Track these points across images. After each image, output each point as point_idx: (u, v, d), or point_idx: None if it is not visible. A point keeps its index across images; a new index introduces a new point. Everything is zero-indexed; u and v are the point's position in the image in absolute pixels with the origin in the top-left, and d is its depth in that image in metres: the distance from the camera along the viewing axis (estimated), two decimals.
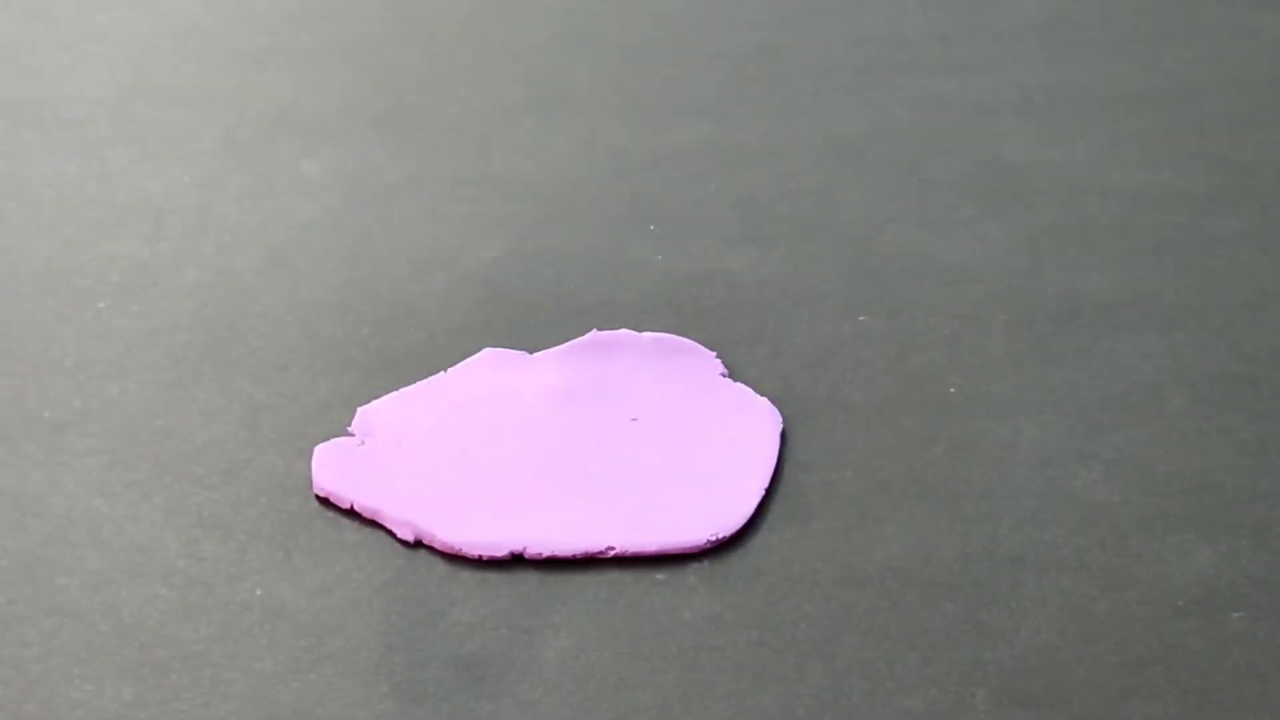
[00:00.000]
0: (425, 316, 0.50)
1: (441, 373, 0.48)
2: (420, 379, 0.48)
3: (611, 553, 0.45)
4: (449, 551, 0.44)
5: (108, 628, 0.43)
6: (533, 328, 0.50)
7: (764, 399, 0.48)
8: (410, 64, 0.59)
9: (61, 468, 0.46)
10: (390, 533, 0.45)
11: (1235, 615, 0.43)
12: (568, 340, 0.50)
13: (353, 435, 0.47)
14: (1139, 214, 0.53)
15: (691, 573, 0.45)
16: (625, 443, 0.47)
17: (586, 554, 0.44)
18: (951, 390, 0.49)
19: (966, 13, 0.59)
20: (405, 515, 0.45)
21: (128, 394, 0.48)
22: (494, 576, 0.44)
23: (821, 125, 0.56)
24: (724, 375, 0.49)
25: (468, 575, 0.44)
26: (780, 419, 0.48)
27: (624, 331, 0.49)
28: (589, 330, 0.50)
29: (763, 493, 0.46)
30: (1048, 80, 0.56)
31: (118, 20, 0.61)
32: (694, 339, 0.50)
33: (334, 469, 0.46)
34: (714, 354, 0.49)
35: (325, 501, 0.46)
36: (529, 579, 0.44)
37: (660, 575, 0.44)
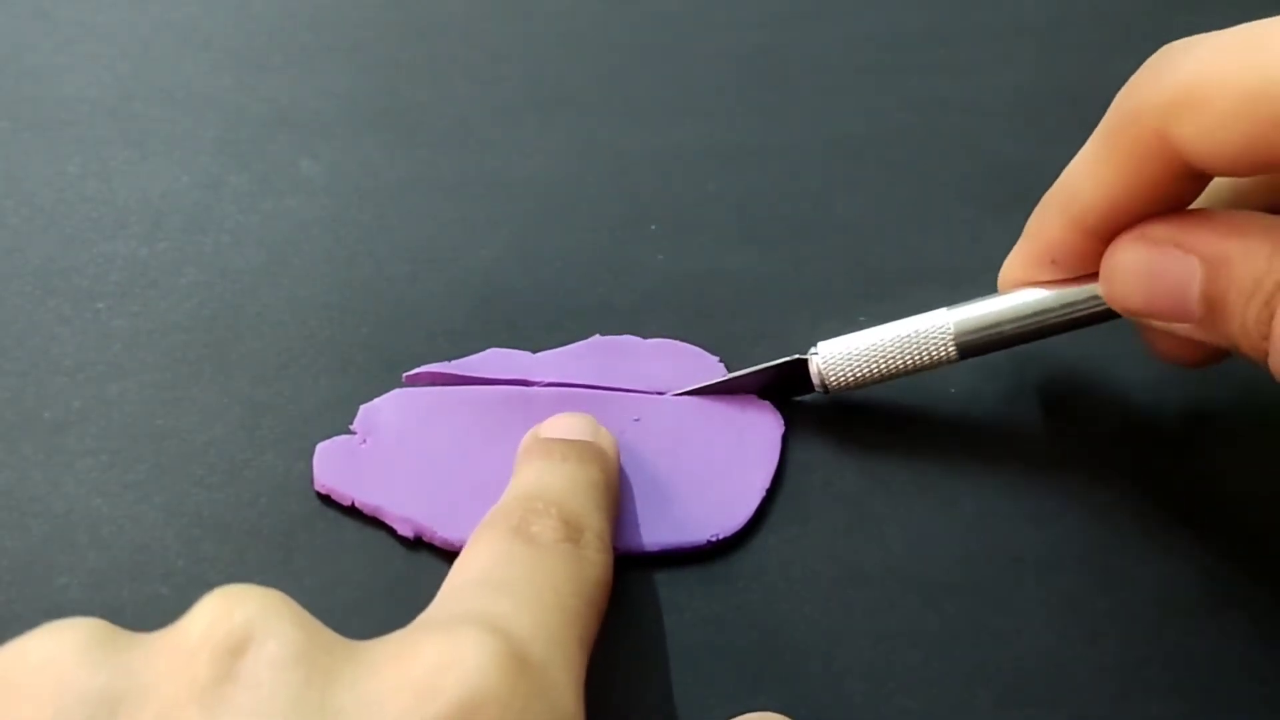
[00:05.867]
0: (425, 317, 0.50)
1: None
2: None
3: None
4: (449, 549, 0.44)
5: None
6: (533, 327, 0.50)
7: (766, 401, 0.48)
8: (410, 64, 0.59)
9: (61, 468, 0.46)
10: (390, 530, 0.45)
11: (1236, 615, 0.43)
12: (568, 339, 0.50)
13: (355, 433, 0.47)
14: None
15: (692, 573, 0.45)
16: (626, 443, 0.47)
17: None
18: (952, 390, 0.49)
19: (966, 13, 0.59)
20: (406, 512, 0.45)
21: (127, 394, 0.48)
22: None
23: (821, 125, 0.56)
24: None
25: None
26: (782, 421, 0.48)
27: (627, 337, 0.49)
28: (590, 330, 0.50)
29: (764, 493, 0.46)
30: (1047, 81, 0.56)
31: (117, 20, 0.61)
32: (694, 339, 0.50)
33: (335, 466, 0.46)
34: (716, 358, 0.49)
35: (326, 499, 0.46)
36: None
37: (660, 575, 0.44)
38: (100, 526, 0.45)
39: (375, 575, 0.44)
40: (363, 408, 0.47)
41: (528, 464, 0.42)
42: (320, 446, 0.46)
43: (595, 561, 0.38)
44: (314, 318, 0.50)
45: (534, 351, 0.49)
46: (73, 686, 0.30)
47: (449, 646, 0.31)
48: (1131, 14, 0.60)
